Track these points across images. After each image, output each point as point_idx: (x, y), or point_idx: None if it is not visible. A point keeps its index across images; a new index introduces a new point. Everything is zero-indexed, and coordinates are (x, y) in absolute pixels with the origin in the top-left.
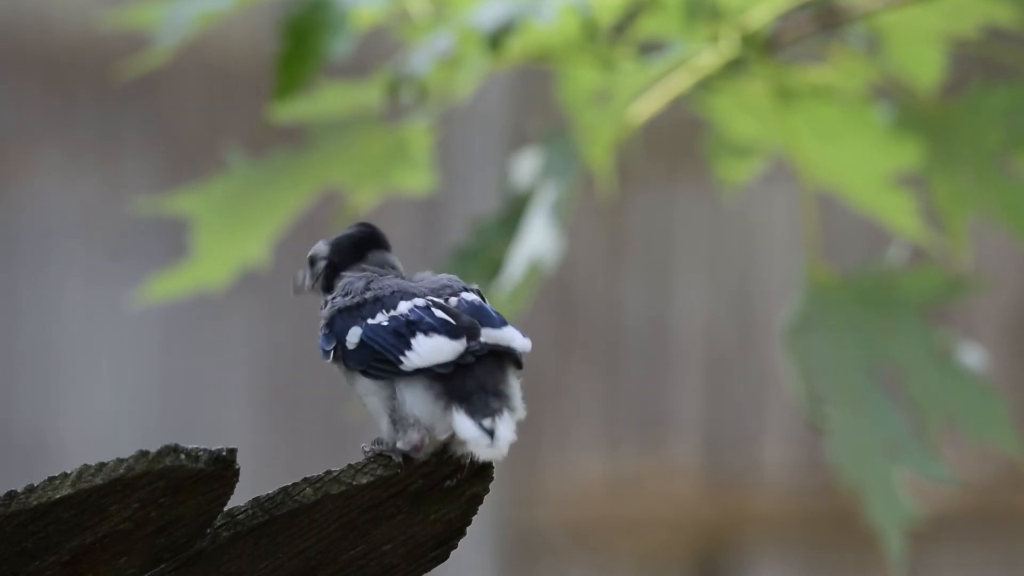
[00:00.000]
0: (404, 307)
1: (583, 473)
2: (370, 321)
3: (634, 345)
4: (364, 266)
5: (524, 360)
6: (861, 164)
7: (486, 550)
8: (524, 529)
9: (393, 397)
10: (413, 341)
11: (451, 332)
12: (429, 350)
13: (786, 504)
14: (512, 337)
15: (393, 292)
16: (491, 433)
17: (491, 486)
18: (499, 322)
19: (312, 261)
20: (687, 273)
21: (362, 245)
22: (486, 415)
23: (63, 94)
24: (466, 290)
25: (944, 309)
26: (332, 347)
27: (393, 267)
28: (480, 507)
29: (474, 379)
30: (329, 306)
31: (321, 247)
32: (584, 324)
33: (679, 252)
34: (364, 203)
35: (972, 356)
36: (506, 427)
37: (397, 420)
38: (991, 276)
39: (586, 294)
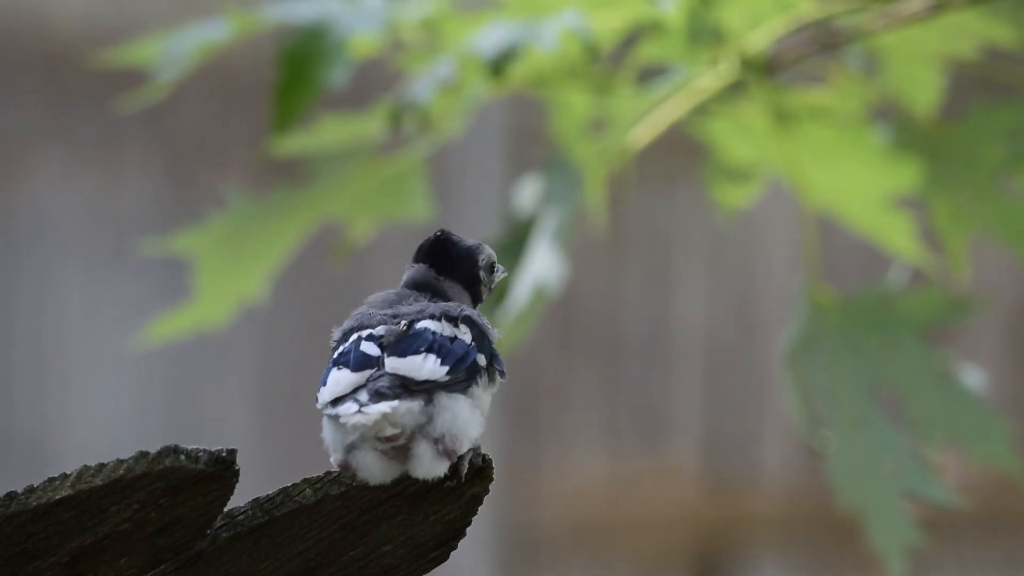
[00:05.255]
0: (349, 343)
1: (583, 473)
2: (334, 355)
3: (634, 345)
4: (404, 287)
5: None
6: (859, 186)
7: (486, 550)
8: (524, 529)
9: None
10: (327, 375)
11: (360, 365)
12: (332, 383)
13: (786, 505)
14: (413, 367)
15: (360, 324)
16: (362, 405)
17: (491, 486)
18: (412, 351)
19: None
20: (687, 273)
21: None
22: (368, 393)
23: (63, 94)
24: (440, 318)
25: (944, 328)
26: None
27: (428, 289)
28: (480, 507)
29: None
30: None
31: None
32: (584, 324)
33: (679, 253)
34: (362, 234)
35: (972, 377)
36: (385, 405)
37: None
38: (991, 295)
39: (586, 294)
